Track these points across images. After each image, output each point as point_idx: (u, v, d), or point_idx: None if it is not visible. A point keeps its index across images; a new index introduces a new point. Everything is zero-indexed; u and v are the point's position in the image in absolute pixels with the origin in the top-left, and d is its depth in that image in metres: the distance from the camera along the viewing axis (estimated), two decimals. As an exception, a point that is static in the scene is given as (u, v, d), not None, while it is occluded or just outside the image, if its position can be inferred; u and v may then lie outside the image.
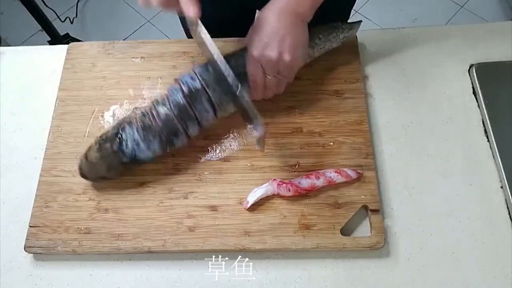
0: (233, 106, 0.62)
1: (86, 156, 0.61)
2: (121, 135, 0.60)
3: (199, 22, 0.55)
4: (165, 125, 0.59)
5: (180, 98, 0.59)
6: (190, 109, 0.59)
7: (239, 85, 0.56)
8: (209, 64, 0.60)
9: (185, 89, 0.60)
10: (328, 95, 0.68)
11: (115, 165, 0.60)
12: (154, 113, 0.60)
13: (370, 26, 1.83)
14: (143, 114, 0.60)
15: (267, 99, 0.65)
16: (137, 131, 0.59)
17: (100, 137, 0.61)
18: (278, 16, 0.57)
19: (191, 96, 0.59)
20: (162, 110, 0.59)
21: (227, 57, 0.62)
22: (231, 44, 0.65)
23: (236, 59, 0.62)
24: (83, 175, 0.61)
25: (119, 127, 0.60)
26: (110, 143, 0.60)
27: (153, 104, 0.61)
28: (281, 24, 0.56)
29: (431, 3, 1.92)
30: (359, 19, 0.70)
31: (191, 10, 0.52)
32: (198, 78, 0.60)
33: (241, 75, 0.60)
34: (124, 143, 0.59)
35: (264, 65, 0.58)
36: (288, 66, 0.58)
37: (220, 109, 0.61)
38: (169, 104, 0.59)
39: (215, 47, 0.56)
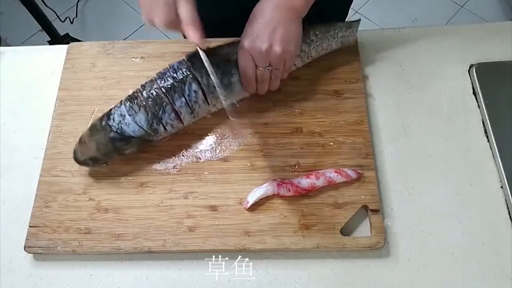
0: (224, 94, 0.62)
1: (80, 139, 0.62)
2: (111, 110, 0.61)
3: (201, 52, 0.56)
4: (151, 97, 0.59)
5: (167, 78, 0.60)
6: (176, 85, 0.59)
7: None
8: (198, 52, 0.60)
9: (171, 71, 0.60)
10: (328, 95, 0.68)
11: (103, 143, 0.60)
12: (141, 88, 0.61)
13: (370, 26, 1.83)
14: (132, 92, 0.61)
15: (261, 95, 0.65)
16: (124, 104, 0.60)
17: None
18: (272, 9, 0.57)
19: (178, 77, 0.60)
20: (149, 86, 0.60)
21: (220, 47, 0.62)
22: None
23: (228, 46, 0.62)
24: (76, 158, 0.62)
25: (112, 107, 0.62)
26: (100, 120, 0.61)
27: (141, 84, 0.61)
28: (274, 16, 0.56)
29: (431, 3, 1.92)
30: (358, 19, 0.70)
31: (192, 35, 0.53)
32: (186, 63, 0.60)
33: (232, 62, 0.61)
34: (111, 117, 0.60)
35: (255, 56, 0.58)
36: (279, 58, 0.57)
37: (209, 93, 0.61)
38: (157, 83, 0.60)
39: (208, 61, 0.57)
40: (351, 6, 0.87)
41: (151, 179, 0.63)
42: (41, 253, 0.60)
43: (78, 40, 1.63)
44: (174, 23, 0.53)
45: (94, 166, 0.63)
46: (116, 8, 1.99)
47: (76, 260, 0.60)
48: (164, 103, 0.59)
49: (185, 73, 0.60)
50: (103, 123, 0.61)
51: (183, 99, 0.60)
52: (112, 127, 0.60)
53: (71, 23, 1.94)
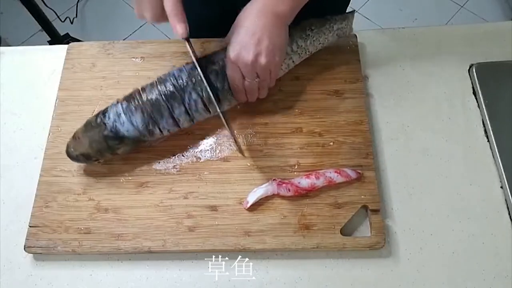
0: (225, 103, 0.63)
1: (74, 134, 0.62)
2: (107, 109, 0.61)
3: (187, 43, 0.57)
4: (150, 101, 0.59)
5: (167, 85, 0.60)
6: (177, 93, 0.59)
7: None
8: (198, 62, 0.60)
9: (172, 79, 0.60)
10: (328, 95, 0.68)
11: (96, 140, 0.60)
12: (141, 90, 0.61)
13: (370, 26, 1.83)
14: (130, 93, 0.62)
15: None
16: (121, 104, 0.60)
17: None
18: (256, 16, 0.56)
19: (178, 86, 0.60)
20: (149, 90, 0.60)
21: (218, 53, 0.62)
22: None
23: (225, 52, 0.61)
24: (68, 153, 0.62)
25: (109, 105, 0.62)
26: (95, 117, 0.61)
27: (140, 88, 0.61)
28: (259, 25, 0.56)
29: (431, 3, 1.92)
30: (352, 10, 0.70)
31: (178, 28, 0.54)
32: (186, 72, 0.60)
33: (224, 74, 0.61)
34: (106, 115, 0.60)
35: (241, 68, 0.57)
36: (265, 68, 0.57)
37: (210, 103, 0.61)
38: (157, 88, 0.60)
39: (196, 62, 0.58)
40: (351, 5, 0.87)
41: (151, 179, 0.63)
42: (41, 253, 0.60)
43: (78, 40, 1.63)
44: (161, 17, 0.55)
45: (85, 162, 0.63)
46: (116, 8, 1.99)
47: (76, 260, 0.60)
48: (163, 108, 0.59)
49: (185, 82, 0.60)
50: (98, 120, 0.61)
51: (183, 108, 0.60)
52: (106, 125, 0.60)
53: (71, 23, 1.94)
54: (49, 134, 0.67)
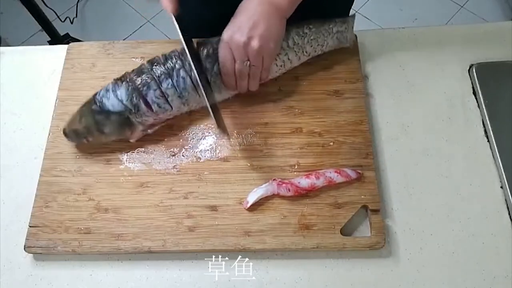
0: (215, 89, 0.64)
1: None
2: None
3: (173, 19, 0.58)
4: (137, 75, 0.61)
5: (156, 62, 0.62)
6: (165, 70, 0.61)
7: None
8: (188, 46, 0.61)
9: (162, 58, 0.62)
10: (328, 95, 0.68)
11: (85, 114, 0.62)
12: (132, 71, 0.63)
13: (370, 26, 1.83)
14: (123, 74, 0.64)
15: (261, 95, 0.64)
16: (111, 82, 0.63)
17: None
18: (256, 5, 0.58)
19: (168, 64, 0.61)
20: (139, 67, 0.62)
21: (206, 39, 0.63)
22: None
23: (213, 40, 0.63)
24: (63, 130, 0.64)
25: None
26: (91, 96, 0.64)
27: (132, 69, 0.63)
28: (257, 11, 0.57)
29: (431, 3, 1.92)
30: (353, 14, 0.70)
31: (167, 6, 0.56)
32: (177, 52, 0.62)
33: (215, 56, 0.61)
34: (98, 92, 0.63)
35: (233, 49, 0.58)
36: (256, 53, 0.57)
37: (199, 85, 0.61)
38: (145, 66, 0.62)
39: (185, 46, 0.59)
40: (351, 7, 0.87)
41: (151, 179, 0.63)
42: (41, 253, 0.60)
43: (78, 40, 1.63)
44: None
45: (76, 140, 0.64)
46: (116, 8, 1.99)
47: (76, 260, 0.60)
48: (149, 79, 0.61)
49: (174, 61, 0.61)
50: (91, 97, 0.63)
51: (170, 81, 0.61)
52: (96, 100, 0.62)
53: (71, 23, 1.94)
54: (49, 134, 0.67)
